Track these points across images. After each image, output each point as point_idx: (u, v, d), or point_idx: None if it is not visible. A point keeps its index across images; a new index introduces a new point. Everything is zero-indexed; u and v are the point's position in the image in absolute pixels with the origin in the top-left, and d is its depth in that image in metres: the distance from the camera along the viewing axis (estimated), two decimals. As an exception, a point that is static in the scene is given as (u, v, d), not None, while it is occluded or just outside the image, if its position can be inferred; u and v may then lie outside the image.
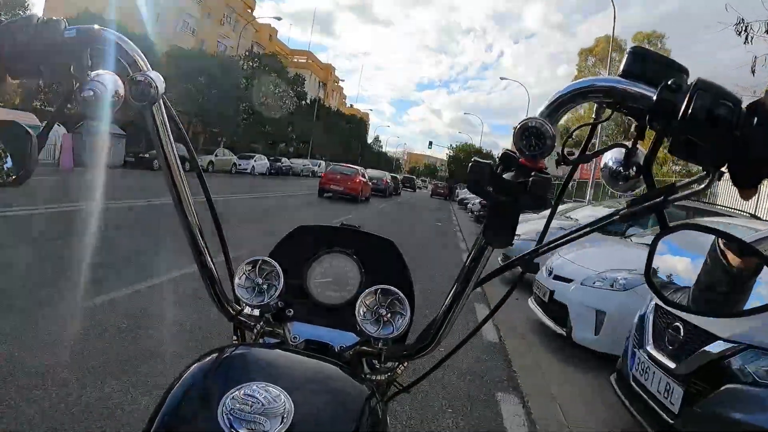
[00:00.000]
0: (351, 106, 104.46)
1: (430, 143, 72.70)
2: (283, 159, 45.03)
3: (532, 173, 0.72)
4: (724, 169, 0.65)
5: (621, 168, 0.79)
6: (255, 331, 1.02)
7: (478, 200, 26.37)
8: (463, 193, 41.07)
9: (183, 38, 43.79)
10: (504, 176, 0.74)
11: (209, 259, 1.02)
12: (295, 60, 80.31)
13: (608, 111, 0.77)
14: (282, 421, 0.67)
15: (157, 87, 0.83)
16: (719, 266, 0.74)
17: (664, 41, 41.80)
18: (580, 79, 0.76)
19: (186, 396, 0.74)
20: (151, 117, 0.90)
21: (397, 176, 54.18)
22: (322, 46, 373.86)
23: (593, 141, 0.84)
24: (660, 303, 1.01)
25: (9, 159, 0.82)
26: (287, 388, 0.71)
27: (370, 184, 29.46)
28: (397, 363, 1.02)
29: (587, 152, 0.80)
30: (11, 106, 24.70)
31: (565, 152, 0.78)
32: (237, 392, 0.69)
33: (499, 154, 0.76)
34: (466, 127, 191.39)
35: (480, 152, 69.88)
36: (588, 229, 0.86)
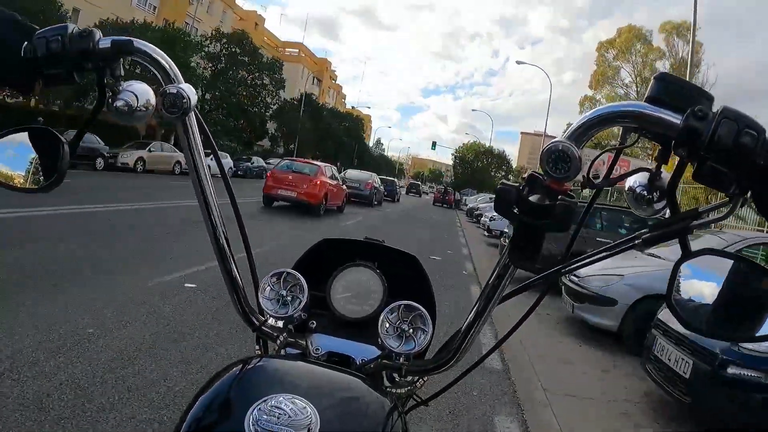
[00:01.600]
0: (353, 108, 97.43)
1: (434, 144, 66.49)
2: (255, 159, 37.93)
3: (558, 196, 0.72)
4: (747, 196, 0.67)
5: (645, 192, 0.82)
6: (278, 342, 1.04)
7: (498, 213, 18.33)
8: (472, 200, 33.88)
9: (139, 15, 38.02)
10: (530, 198, 0.74)
11: (235, 269, 1.03)
12: (287, 53, 75.44)
13: (633, 135, 0.79)
14: None
15: (189, 99, 0.84)
16: (737, 291, 0.74)
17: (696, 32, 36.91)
18: (607, 105, 0.76)
19: (212, 406, 0.76)
20: (183, 129, 0.92)
21: (395, 180, 50.83)
22: (328, 51, 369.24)
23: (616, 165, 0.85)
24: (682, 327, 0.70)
25: (39, 165, 0.85)
26: (313, 400, 0.73)
27: (345, 188, 21.71)
28: (417, 377, 1.04)
29: (612, 176, 0.80)
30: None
31: (591, 176, 0.79)
32: (264, 404, 0.71)
33: (526, 176, 0.75)
34: (473, 132, 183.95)
35: (490, 152, 64.37)
36: (610, 252, 0.88)
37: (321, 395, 0.77)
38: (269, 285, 1.06)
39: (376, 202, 30.04)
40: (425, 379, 1.06)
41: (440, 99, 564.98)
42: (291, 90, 59.85)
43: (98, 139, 22.68)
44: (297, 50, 79.01)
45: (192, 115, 0.91)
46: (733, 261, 0.74)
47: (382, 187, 33.52)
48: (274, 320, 1.06)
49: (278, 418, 0.69)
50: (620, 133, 0.81)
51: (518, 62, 45.63)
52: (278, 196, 17.17)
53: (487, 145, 68.48)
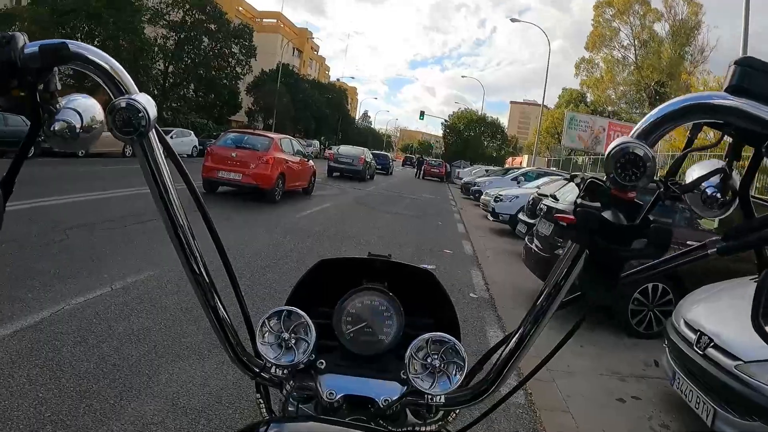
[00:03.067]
0: (338, 80, 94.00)
1: (422, 114, 63.95)
2: (225, 135, 34.48)
3: (644, 217, 0.65)
4: None
5: (717, 193, 0.71)
6: (284, 392, 0.93)
7: (504, 192, 14.65)
8: (466, 173, 30.90)
9: None
10: (604, 215, 0.65)
11: (222, 307, 0.91)
12: (265, 23, 72.86)
13: (714, 132, 0.73)
14: None
15: (147, 114, 0.70)
16: None
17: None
18: (683, 96, 0.66)
19: None
20: (142, 151, 0.77)
21: (388, 154, 52.47)
22: (315, 26, 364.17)
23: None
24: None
25: None
26: None
27: (312, 164, 17.67)
28: (450, 410, 0.96)
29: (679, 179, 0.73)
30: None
31: (668, 182, 0.71)
32: None
33: (583, 184, 0.70)
34: (462, 102, 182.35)
35: (483, 119, 60.76)
36: (676, 263, 0.78)
37: None
38: (268, 328, 0.91)
39: (368, 177, 29.95)
40: (457, 412, 0.97)
41: (428, 71, 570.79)
42: (270, 61, 58.16)
43: (24, 119, 19.16)
44: (275, 20, 76.29)
45: (153, 133, 0.76)
46: None
47: (374, 161, 32.96)
48: (275, 368, 0.90)
49: None
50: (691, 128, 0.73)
51: (512, 19, 42.05)
52: (220, 179, 13.60)
53: (479, 113, 65.99)
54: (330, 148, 59.24)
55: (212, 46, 39.58)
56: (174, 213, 0.82)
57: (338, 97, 74.79)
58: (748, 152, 0.67)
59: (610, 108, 44.09)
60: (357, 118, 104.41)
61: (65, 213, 8.81)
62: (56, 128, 0.69)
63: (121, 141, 0.72)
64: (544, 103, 44.73)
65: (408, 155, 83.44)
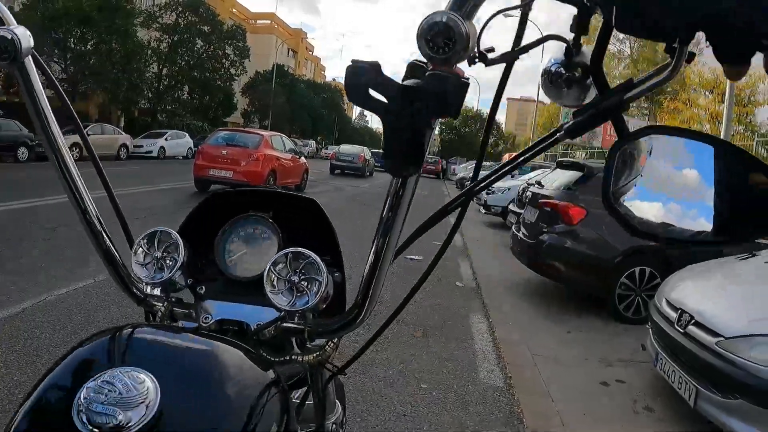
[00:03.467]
0: (334, 79, 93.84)
1: None
2: (219, 137, 34.57)
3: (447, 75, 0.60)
4: (693, 50, 0.57)
5: (562, 69, 0.67)
6: (160, 312, 0.93)
7: (496, 185, 14.55)
8: (462, 169, 31.51)
9: None
10: (405, 83, 0.61)
11: (108, 239, 0.95)
12: (259, 24, 72.83)
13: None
14: (145, 410, 0.58)
15: (19, 42, 0.76)
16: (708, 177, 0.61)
17: None
18: None
19: (52, 385, 0.66)
20: (21, 79, 0.82)
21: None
22: (310, 26, 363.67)
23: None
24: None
25: None
26: (158, 373, 0.61)
27: (304, 162, 17.59)
28: (327, 340, 0.95)
29: (514, 49, 0.69)
30: None
31: (484, 49, 0.65)
32: (95, 381, 0.60)
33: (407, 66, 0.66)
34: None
35: (479, 116, 61.23)
36: (533, 152, 0.79)
37: (172, 367, 0.67)
38: (142, 248, 0.95)
39: (368, 173, 31.27)
40: (335, 341, 0.96)
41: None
42: (265, 62, 58.34)
43: (19, 124, 19.76)
44: (269, 21, 76.17)
45: (29, 62, 0.82)
46: (685, 139, 0.62)
47: (373, 159, 34.00)
48: (151, 288, 0.94)
49: (106, 395, 0.58)
50: None
51: (505, 15, 41.59)
52: (211, 178, 13.48)
53: (474, 110, 65.76)
54: (326, 148, 59.41)
55: (206, 48, 39.44)
56: (55, 140, 0.88)
57: (334, 96, 74.76)
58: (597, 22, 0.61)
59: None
60: (354, 117, 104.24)
61: (54, 213, 8.78)
62: None
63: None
64: (540, 99, 44.72)
65: None
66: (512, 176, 19.03)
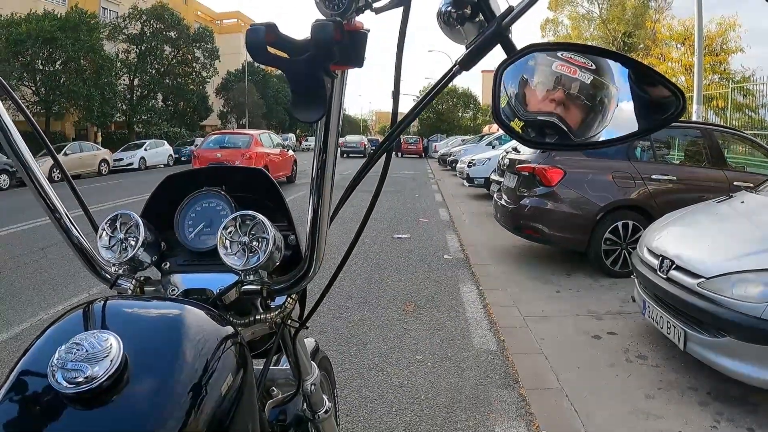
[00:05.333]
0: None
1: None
2: (198, 141, 34.25)
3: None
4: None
5: (452, 7, 0.70)
6: (129, 290, 0.98)
7: (477, 157, 14.74)
8: (443, 146, 31.37)
9: (48, 7, 33.53)
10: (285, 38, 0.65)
11: (75, 228, 1.01)
12: (225, 24, 71.93)
13: None
14: (109, 364, 0.62)
15: None
16: (580, 90, 0.67)
17: None
18: None
19: (35, 353, 0.71)
20: None
21: (378, 138, 57.63)
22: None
23: None
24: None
25: None
26: (122, 332, 0.67)
27: (291, 154, 18.84)
28: (285, 297, 0.99)
29: None
30: None
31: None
32: (66, 344, 0.65)
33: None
34: (432, 76, 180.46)
35: (454, 91, 61.44)
36: (432, 92, 0.78)
37: (135, 327, 0.73)
38: (105, 232, 1.00)
39: (366, 155, 36.81)
40: (293, 297, 1.00)
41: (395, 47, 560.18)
42: (236, 61, 57.94)
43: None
44: (236, 19, 74.83)
45: None
46: (559, 52, 0.67)
47: (369, 144, 44.16)
48: (118, 268, 0.99)
49: (74, 354, 0.63)
50: None
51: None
52: None
53: (450, 85, 64.83)
54: (307, 140, 59.21)
55: (174, 54, 39.02)
56: (7, 131, 0.90)
57: (309, 88, 73.65)
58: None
59: None
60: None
61: (41, 235, 8.82)
62: None
63: None
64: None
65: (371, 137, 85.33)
66: (492, 147, 19.05)
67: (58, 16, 29.04)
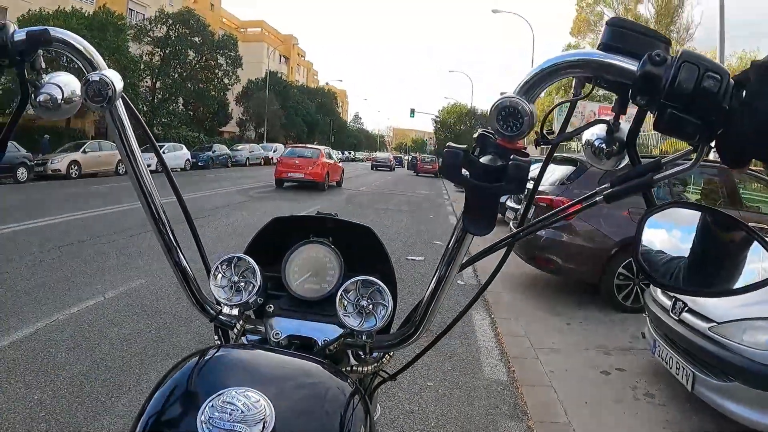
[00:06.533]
0: (327, 84, 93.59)
1: (412, 111, 62.69)
2: (217, 147, 34.50)
3: (511, 155, 0.71)
4: (712, 144, 0.66)
5: (604, 144, 0.79)
6: (236, 330, 1.03)
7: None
8: None
9: (76, 6, 33.91)
10: (481, 160, 0.73)
11: (183, 258, 1.04)
12: (249, 32, 71.94)
13: (588, 86, 0.76)
14: (263, 427, 0.67)
15: (113, 86, 0.83)
16: (709, 243, 0.75)
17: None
18: (558, 54, 0.73)
19: (167, 403, 0.74)
20: (111, 118, 0.91)
21: (401, 156, 68.07)
22: (299, 33, 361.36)
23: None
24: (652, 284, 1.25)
25: None
26: (267, 391, 0.71)
27: (341, 165, 25.91)
28: (383, 353, 1.05)
29: (567, 130, 0.80)
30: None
31: (545, 131, 0.78)
32: (216, 400, 0.69)
33: (476, 135, 0.76)
34: (451, 96, 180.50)
35: (472, 113, 60.77)
36: (570, 212, 0.89)
37: (277, 386, 0.75)
38: (220, 272, 1.03)
39: (393, 169, 55.23)
40: (391, 354, 1.05)
41: (416, 67, 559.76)
42: (257, 70, 58.36)
43: (17, 145, 19.72)
44: (259, 28, 75.44)
45: (119, 103, 0.90)
46: (700, 213, 0.75)
47: (395, 160, 60.67)
48: (229, 308, 1.03)
49: (230, 414, 0.67)
50: (574, 84, 0.77)
51: (494, 11, 41.75)
52: (288, 178, 21.08)
53: (468, 106, 65.26)
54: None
55: (198, 59, 39.36)
56: (139, 171, 0.96)
57: (328, 101, 74.72)
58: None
59: (600, 92, 43.98)
60: (349, 120, 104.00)
61: (58, 232, 8.93)
62: (41, 100, 0.82)
63: (92, 109, 0.84)
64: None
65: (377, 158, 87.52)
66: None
67: (86, 14, 29.40)
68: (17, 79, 0.83)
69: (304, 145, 25.57)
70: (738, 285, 0.71)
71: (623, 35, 0.68)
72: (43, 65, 0.85)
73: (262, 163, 41.39)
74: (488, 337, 5.22)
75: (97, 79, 0.82)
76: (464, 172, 0.72)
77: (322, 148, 24.05)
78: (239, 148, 41.24)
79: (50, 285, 5.94)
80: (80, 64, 0.87)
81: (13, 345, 4.29)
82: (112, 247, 8.06)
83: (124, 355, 4.20)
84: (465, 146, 0.73)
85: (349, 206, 16.34)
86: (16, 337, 4.44)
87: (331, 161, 23.00)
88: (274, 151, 44.37)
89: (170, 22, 37.55)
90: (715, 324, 3.50)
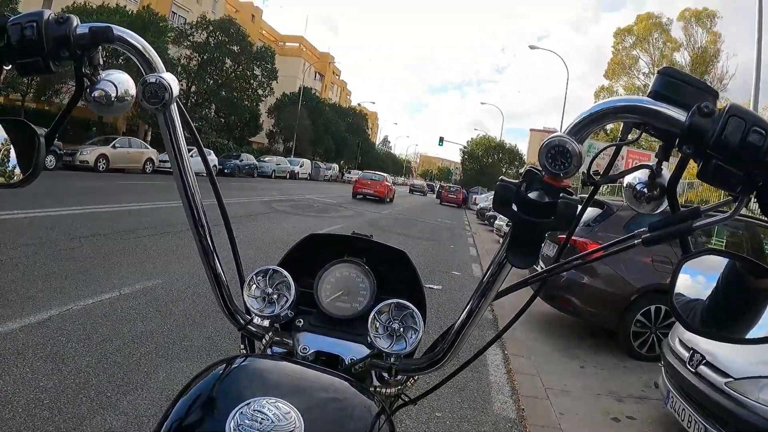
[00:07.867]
0: (359, 104, 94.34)
1: (441, 140, 62.99)
2: (245, 156, 34.86)
3: (560, 194, 0.74)
4: (752, 195, 0.68)
5: (645, 189, 0.82)
6: (264, 341, 1.04)
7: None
8: (483, 199, 31.53)
9: (121, 2, 35.10)
10: (529, 195, 0.75)
11: (219, 266, 1.04)
12: (287, 46, 73.55)
13: (636, 132, 0.80)
14: None
15: (170, 89, 0.85)
16: (731, 290, 0.76)
17: (716, 20, 38.55)
18: (608, 99, 0.76)
19: (193, 408, 0.75)
20: (164, 120, 0.92)
21: (433, 184, 72.74)
22: (330, 46, 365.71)
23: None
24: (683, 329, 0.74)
25: (15, 159, 0.86)
26: (297, 404, 0.73)
27: (394, 188, 36.46)
28: (407, 376, 1.05)
29: (612, 172, 0.83)
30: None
31: (591, 172, 0.81)
32: (246, 408, 0.70)
33: (523, 171, 0.78)
34: (481, 128, 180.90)
35: (501, 146, 60.71)
36: (607, 252, 0.92)
37: (306, 399, 0.76)
38: (255, 283, 1.06)
39: (425, 194, 63.21)
40: (416, 378, 1.07)
41: (447, 96, 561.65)
42: (292, 84, 58.87)
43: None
44: (298, 44, 76.67)
45: (174, 106, 0.91)
46: (733, 260, 0.75)
47: (428, 187, 69.67)
48: (260, 319, 1.05)
49: (261, 423, 0.68)
50: (621, 128, 0.80)
51: (531, 47, 42.01)
52: (363, 193, 30.71)
53: (498, 140, 65.66)
54: (350, 173, 60.11)
55: (234, 68, 39.84)
56: (186, 176, 0.97)
57: (359, 121, 75.03)
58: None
59: (630, 136, 43.70)
60: (377, 142, 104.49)
61: (81, 222, 9.01)
62: (95, 95, 0.83)
63: (147, 110, 0.86)
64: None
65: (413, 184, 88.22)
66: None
67: (129, 12, 30.08)
68: (75, 71, 0.83)
69: (374, 171, 36.93)
70: (753, 335, 0.73)
71: (674, 85, 0.70)
72: (101, 61, 0.85)
73: (288, 176, 41.76)
74: (500, 373, 5.19)
75: (155, 81, 0.84)
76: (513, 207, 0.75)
77: (386, 175, 35.96)
78: (266, 159, 41.57)
79: (67, 274, 5.99)
80: (139, 65, 0.88)
81: (24, 329, 4.33)
82: (132, 243, 8.14)
83: (135, 353, 4.22)
84: (516, 181, 0.75)
85: (376, 229, 16.29)
86: (27, 322, 4.48)
87: (390, 184, 34.04)
88: (301, 166, 44.66)
89: (211, 28, 38.15)
90: (732, 379, 3.45)
